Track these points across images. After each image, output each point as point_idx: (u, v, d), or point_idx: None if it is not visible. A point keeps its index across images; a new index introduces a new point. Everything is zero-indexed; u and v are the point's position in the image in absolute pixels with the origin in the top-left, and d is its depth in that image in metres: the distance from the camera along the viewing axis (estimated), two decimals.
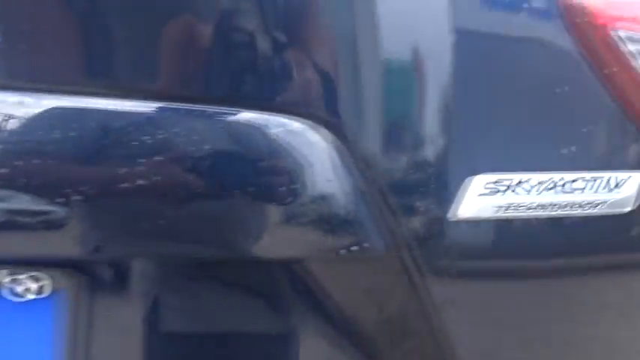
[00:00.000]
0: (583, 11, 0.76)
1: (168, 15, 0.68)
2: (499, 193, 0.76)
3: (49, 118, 0.66)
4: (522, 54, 0.76)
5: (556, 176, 0.78)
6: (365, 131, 0.71)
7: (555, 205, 0.79)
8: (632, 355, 0.95)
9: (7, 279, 0.71)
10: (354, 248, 0.72)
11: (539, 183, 0.78)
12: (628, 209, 0.83)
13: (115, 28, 0.70)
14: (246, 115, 0.69)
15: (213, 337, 0.81)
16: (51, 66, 0.68)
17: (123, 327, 0.77)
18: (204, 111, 0.69)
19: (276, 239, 0.71)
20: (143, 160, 0.65)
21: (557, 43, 0.77)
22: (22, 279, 0.72)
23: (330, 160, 0.69)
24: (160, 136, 0.66)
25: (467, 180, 0.74)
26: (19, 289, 0.72)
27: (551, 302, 0.85)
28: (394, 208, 0.72)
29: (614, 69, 0.78)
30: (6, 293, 0.72)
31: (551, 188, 0.78)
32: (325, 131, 0.69)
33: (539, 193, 0.78)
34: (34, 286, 0.72)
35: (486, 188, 0.76)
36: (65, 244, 0.67)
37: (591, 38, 0.78)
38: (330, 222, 0.71)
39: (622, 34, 0.77)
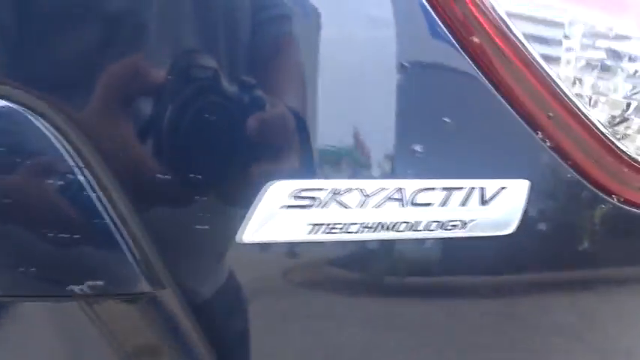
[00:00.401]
0: None
1: None
2: (313, 207, 0.56)
3: None
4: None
5: (397, 184, 0.58)
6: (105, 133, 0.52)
7: (401, 223, 0.58)
8: None
9: None
10: (88, 289, 0.52)
11: (373, 193, 0.58)
12: (507, 232, 0.62)
13: None
14: None
15: None
16: None
17: None
18: None
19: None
20: None
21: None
22: None
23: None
24: None
25: (262, 190, 0.55)
26: None
27: None
28: (151, 238, 0.53)
29: (479, 37, 0.60)
30: None
31: (395, 200, 0.58)
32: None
33: (378, 206, 0.58)
34: None
35: (293, 199, 0.56)
36: None
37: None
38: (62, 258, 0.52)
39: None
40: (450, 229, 0.59)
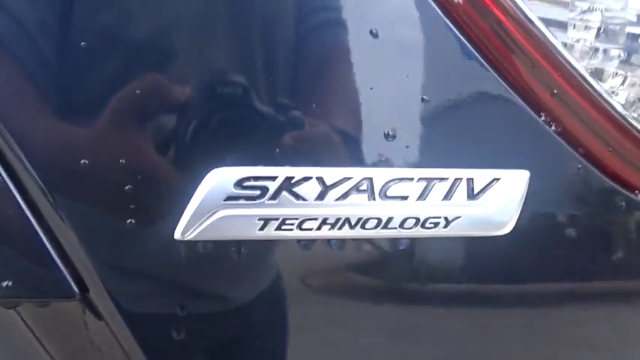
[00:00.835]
0: None
1: None
2: (264, 199, 0.48)
3: None
4: None
5: (365, 173, 0.49)
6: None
7: (371, 219, 0.49)
8: None
9: None
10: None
11: (335, 184, 0.49)
12: (501, 232, 0.52)
13: None
14: None
15: None
16: None
17: None
18: None
19: None
20: None
21: None
22: None
23: None
24: None
25: (202, 178, 0.47)
26: None
27: None
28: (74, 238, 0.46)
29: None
30: None
31: (360, 191, 0.49)
32: None
33: (339, 199, 0.49)
34: None
35: (238, 189, 0.47)
36: None
37: None
38: None
39: None
40: (429, 228, 0.50)
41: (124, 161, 0.46)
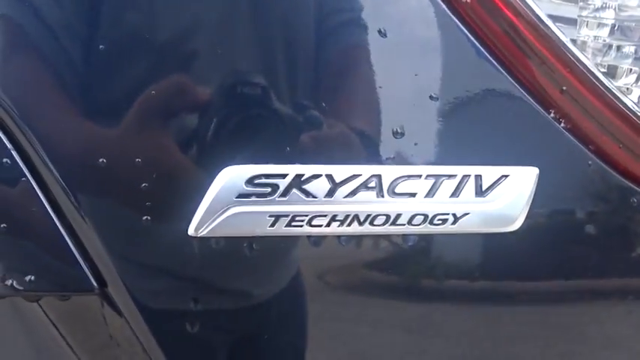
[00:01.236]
0: None
1: None
2: (274, 196, 0.49)
3: None
4: None
5: (373, 170, 0.50)
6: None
7: (380, 216, 0.50)
8: None
9: None
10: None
11: (344, 181, 0.50)
12: (510, 228, 0.52)
13: None
14: None
15: None
16: None
17: None
18: None
19: None
20: None
21: None
22: None
23: None
24: None
25: (215, 177, 0.48)
26: None
27: None
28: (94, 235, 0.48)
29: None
30: None
31: (368, 188, 0.50)
32: None
33: (348, 196, 0.50)
34: None
35: (251, 187, 0.49)
36: None
37: None
38: None
39: None
40: (437, 225, 0.50)
41: (140, 160, 0.48)
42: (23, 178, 0.47)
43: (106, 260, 0.49)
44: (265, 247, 0.49)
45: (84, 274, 0.48)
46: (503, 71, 0.52)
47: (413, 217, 0.50)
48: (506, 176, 0.51)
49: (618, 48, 0.53)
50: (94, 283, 0.49)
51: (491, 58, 0.52)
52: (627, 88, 0.55)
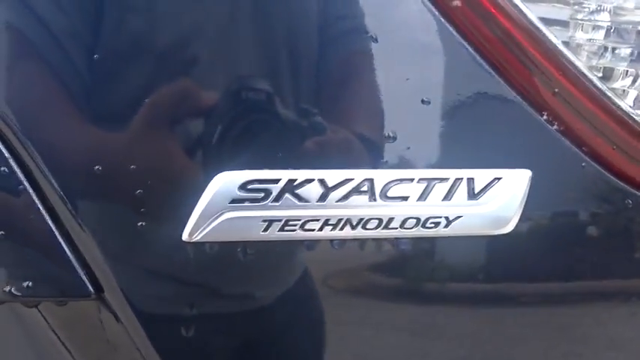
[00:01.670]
0: None
1: None
2: (267, 201, 0.49)
3: None
4: None
5: (365, 175, 0.50)
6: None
7: (372, 219, 0.50)
8: None
9: None
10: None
11: (336, 185, 0.50)
12: (503, 231, 0.53)
13: None
14: None
15: None
16: None
17: None
18: None
19: None
20: None
21: None
22: None
23: None
24: None
25: (211, 183, 0.48)
26: None
27: None
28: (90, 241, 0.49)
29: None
30: None
31: (360, 192, 0.50)
32: None
33: (340, 200, 0.50)
34: None
35: (244, 192, 0.49)
36: None
37: None
38: None
39: None
40: (430, 228, 0.51)
41: (135, 167, 0.49)
42: (20, 187, 0.48)
43: (102, 266, 0.49)
44: (260, 252, 0.50)
45: (80, 279, 0.49)
46: (496, 74, 0.52)
47: (405, 220, 0.50)
48: (499, 179, 0.51)
49: (614, 50, 0.53)
50: (91, 289, 0.50)
51: (483, 62, 0.52)
52: (623, 91, 0.55)
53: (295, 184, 0.49)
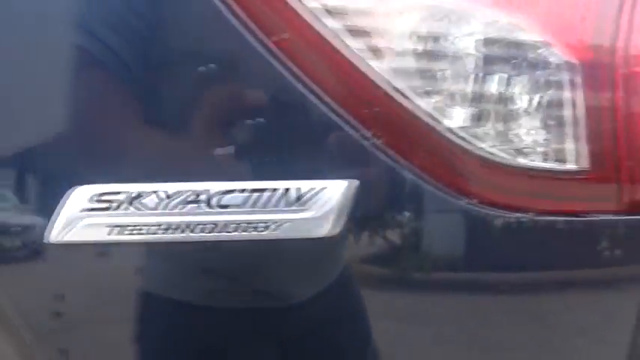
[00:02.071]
0: None
1: None
2: (112, 210, 0.58)
3: None
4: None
5: (195, 187, 0.58)
6: None
7: (203, 225, 0.58)
8: None
9: None
10: None
11: (171, 196, 0.58)
12: (322, 234, 0.58)
13: None
14: None
15: None
16: None
17: None
18: None
19: None
20: None
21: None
22: None
23: None
24: None
25: (67, 194, 0.57)
26: None
27: None
28: None
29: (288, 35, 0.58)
30: None
31: (192, 202, 0.58)
32: None
33: (176, 209, 0.58)
34: None
35: (94, 203, 0.57)
36: None
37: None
38: None
39: None
40: (261, 231, 0.57)
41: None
42: None
43: None
44: (111, 255, 0.59)
45: None
46: (321, 97, 0.58)
47: (238, 225, 0.57)
48: (324, 188, 0.57)
49: (427, 71, 0.58)
50: None
51: (311, 87, 0.58)
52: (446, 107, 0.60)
53: (135, 195, 0.57)
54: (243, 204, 0.57)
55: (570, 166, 0.59)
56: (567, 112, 0.59)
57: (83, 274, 0.60)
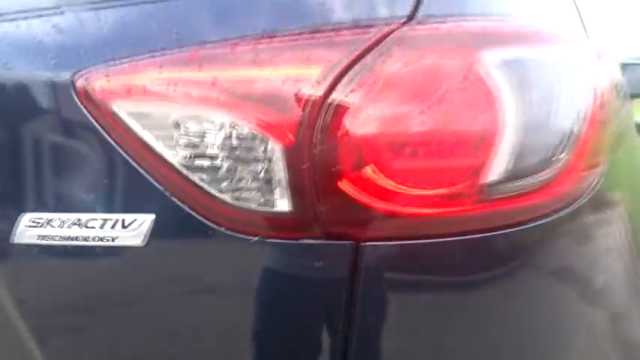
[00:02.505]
0: (91, 93, 1.00)
1: None
2: (40, 227, 1.05)
3: None
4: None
5: (77, 216, 1.02)
6: None
7: (79, 237, 1.02)
8: None
9: None
10: None
11: (65, 221, 1.03)
12: (139, 244, 0.99)
13: None
14: None
15: None
16: None
17: None
18: None
19: None
20: None
21: (77, 118, 1.03)
22: None
23: None
24: None
25: (20, 216, 1.06)
26: None
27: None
28: None
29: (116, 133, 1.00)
30: None
31: (75, 224, 1.02)
32: None
33: (68, 227, 1.03)
34: None
35: (31, 222, 1.05)
36: None
37: (99, 112, 1.01)
38: None
39: (116, 106, 0.98)
40: (110, 240, 1.00)
41: None
42: None
43: None
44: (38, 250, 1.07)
45: None
46: (135, 168, 0.98)
47: (96, 237, 1.01)
48: (136, 219, 0.98)
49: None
50: None
51: (130, 161, 0.99)
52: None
53: (51, 219, 1.04)
54: (100, 226, 1.01)
55: (278, 209, 0.93)
56: (276, 175, 0.91)
57: None
